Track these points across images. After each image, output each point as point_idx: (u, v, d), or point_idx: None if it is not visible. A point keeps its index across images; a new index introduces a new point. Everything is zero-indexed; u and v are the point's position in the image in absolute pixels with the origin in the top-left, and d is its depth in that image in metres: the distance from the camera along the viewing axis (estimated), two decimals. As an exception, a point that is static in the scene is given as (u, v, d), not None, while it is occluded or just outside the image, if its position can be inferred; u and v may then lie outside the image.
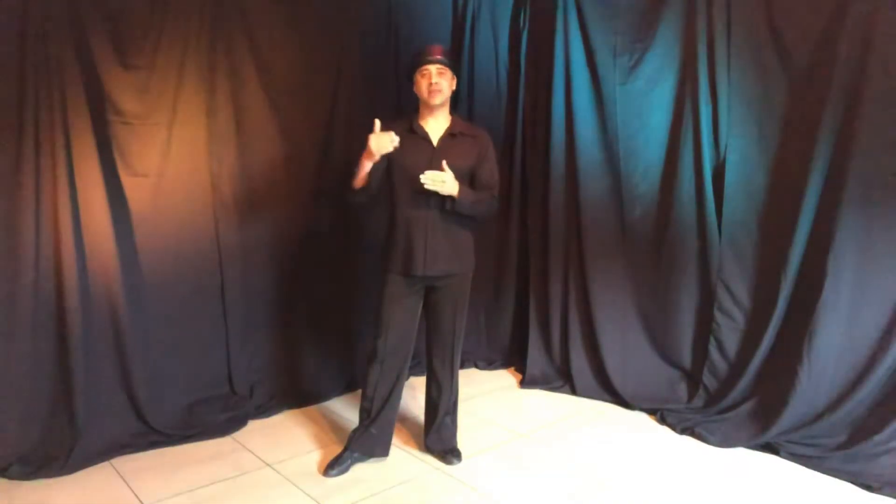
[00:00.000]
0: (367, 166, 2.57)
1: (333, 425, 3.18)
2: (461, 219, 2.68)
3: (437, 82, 2.61)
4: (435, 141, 2.67)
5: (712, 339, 3.23)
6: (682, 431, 3.09)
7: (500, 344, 4.09)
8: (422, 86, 2.65)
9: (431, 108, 2.67)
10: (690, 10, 3.20)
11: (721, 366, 3.22)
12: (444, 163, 2.54)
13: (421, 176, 2.49)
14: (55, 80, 2.63)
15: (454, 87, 2.73)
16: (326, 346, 3.61)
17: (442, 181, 2.51)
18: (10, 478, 2.57)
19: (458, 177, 2.65)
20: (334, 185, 3.53)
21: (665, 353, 3.45)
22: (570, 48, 3.58)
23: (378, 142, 2.51)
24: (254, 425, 3.16)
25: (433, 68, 2.62)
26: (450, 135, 2.69)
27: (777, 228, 3.01)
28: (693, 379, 3.34)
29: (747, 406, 3.06)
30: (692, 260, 3.28)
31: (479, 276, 2.85)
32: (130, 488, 2.56)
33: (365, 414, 2.77)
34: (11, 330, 2.62)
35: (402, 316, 2.72)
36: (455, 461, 2.80)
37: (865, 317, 2.78)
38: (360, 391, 2.91)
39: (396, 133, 2.66)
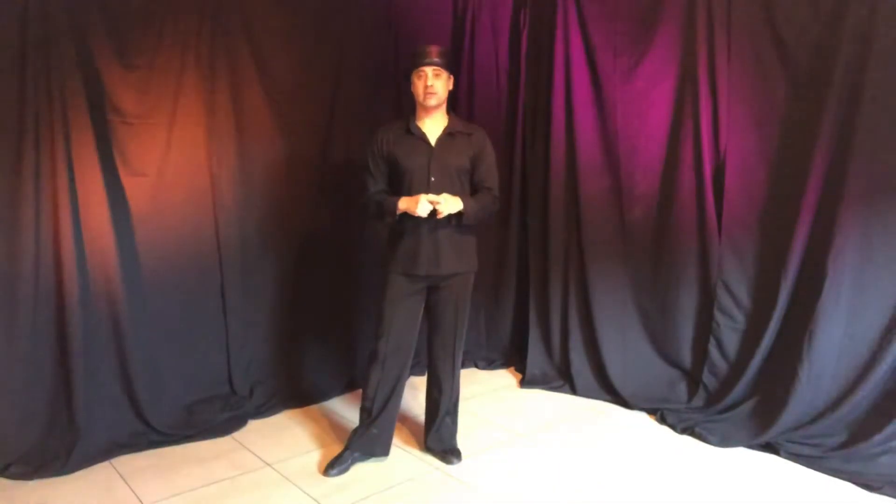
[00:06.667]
0: (400, 209, 2.59)
1: (333, 425, 3.18)
2: None
3: (433, 84, 2.62)
4: (433, 141, 2.68)
5: (712, 339, 3.23)
6: (682, 431, 3.09)
7: (500, 344, 4.09)
8: (418, 87, 2.66)
9: (428, 109, 2.68)
10: (690, 10, 3.20)
11: (721, 366, 3.22)
12: (431, 196, 2.55)
13: (420, 210, 2.51)
14: (55, 79, 2.63)
15: (451, 88, 2.74)
16: (326, 345, 3.61)
17: (439, 202, 2.51)
18: (10, 478, 2.57)
19: (458, 175, 2.66)
20: (334, 184, 3.53)
21: (665, 352, 3.45)
22: (570, 48, 3.58)
23: (422, 206, 2.52)
24: (254, 425, 3.16)
25: (429, 70, 2.63)
26: (447, 134, 2.70)
27: (777, 228, 3.01)
28: (693, 379, 3.34)
29: (747, 406, 3.06)
30: (692, 260, 3.28)
31: (479, 276, 2.85)
32: (130, 488, 2.56)
33: (366, 413, 2.77)
34: (11, 330, 2.62)
35: (404, 316, 2.72)
36: (455, 461, 2.80)
37: (865, 317, 2.78)
38: (359, 390, 2.91)
39: (394, 135, 2.70)
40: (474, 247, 2.79)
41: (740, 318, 3.16)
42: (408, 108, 2.92)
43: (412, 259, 2.64)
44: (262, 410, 3.25)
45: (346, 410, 3.35)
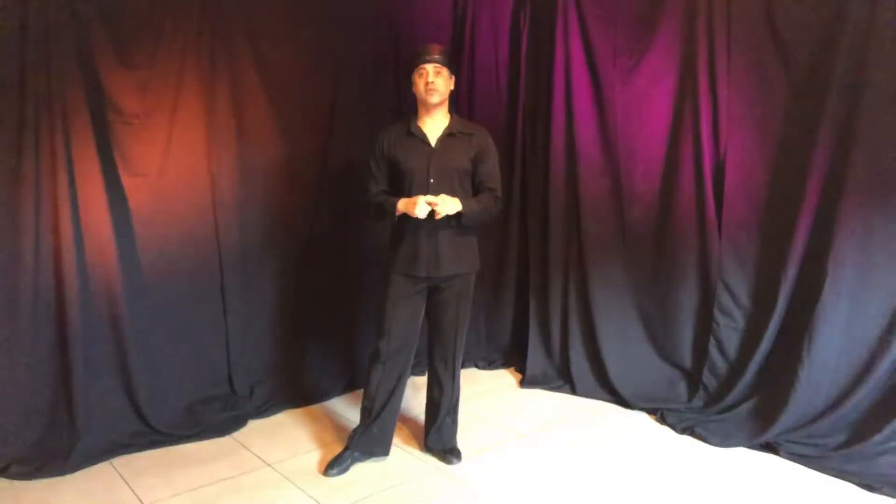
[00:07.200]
0: (399, 210, 2.60)
1: (333, 425, 3.18)
2: None
3: (434, 81, 2.62)
4: (433, 142, 2.68)
5: (712, 339, 3.23)
6: (682, 431, 3.09)
7: (500, 344, 4.09)
8: (419, 85, 2.66)
9: (429, 108, 2.68)
10: (690, 10, 3.20)
11: (721, 366, 3.22)
12: (429, 197, 2.55)
13: (418, 211, 2.51)
14: (55, 79, 2.63)
15: (452, 86, 2.74)
16: (326, 345, 3.61)
17: (437, 203, 2.51)
18: (10, 478, 2.57)
19: (458, 177, 2.66)
20: (334, 185, 3.53)
21: (665, 352, 3.45)
22: (570, 48, 3.58)
23: (420, 208, 2.52)
24: (254, 425, 3.16)
25: (430, 67, 2.63)
26: (448, 135, 2.69)
27: (777, 228, 3.02)
28: (693, 379, 3.34)
29: (747, 406, 3.06)
30: (692, 260, 3.28)
31: (479, 276, 2.85)
32: (130, 488, 2.56)
33: (366, 413, 2.77)
34: (11, 330, 2.62)
35: (405, 316, 2.72)
36: (455, 461, 2.80)
37: (865, 317, 2.78)
38: (360, 390, 2.91)
39: (395, 136, 2.70)
40: (475, 247, 2.79)
41: (740, 317, 3.16)
42: (408, 108, 2.92)
43: (412, 260, 2.65)
44: (262, 410, 3.25)
45: (347, 410, 3.35)
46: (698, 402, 3.25)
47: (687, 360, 3.38)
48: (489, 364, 4.04)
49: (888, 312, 2.73)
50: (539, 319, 3.84)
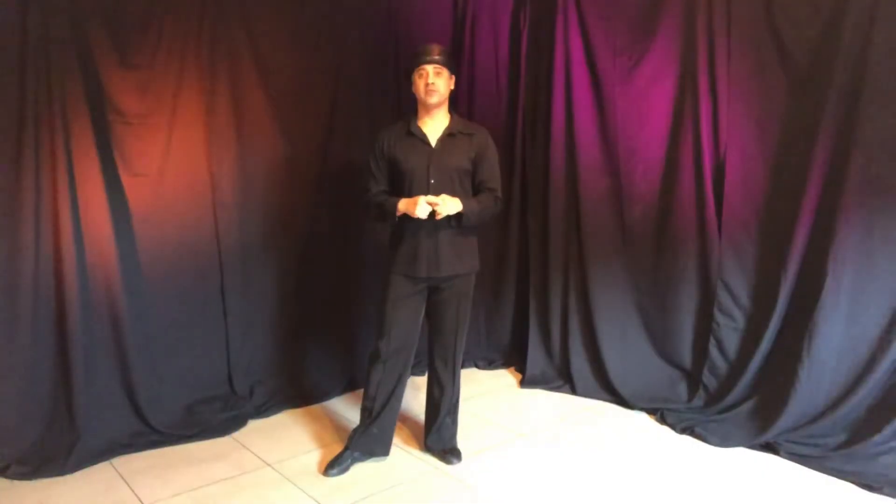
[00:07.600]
0: (400, 210, 2.60)
1: (333, 425, 3.18)
2: None
3: (434, 82, 2.62)
4: (433, 142, 2.68)
5: (712, 339, 3.22)
6: (682, 431, 3.09)
7: (500, 344, 4.09)
8: (419, 86, 2.66)
9: (429, 108, 2.68)
10: (690, 10, 3.20)
11: (721, 366, 3.22)
12: (429, 197, 2.55)
13: (419, 211, 2.51)
14: (55, 79, 2.63)
15: (452, 87, 2.74)
16: (326, 345, 3.61)
17: (438, 203, 2.52)
18: (10, 478, 2.57)
19: (458, 177, 2.66)
20: (334, 185, 3.54)
21: (665, 352, 3.45)
22: (569, 48, 3.58)
23: (420, 208, 2.52)
24: (254, 425, 3.16)
25: (430, 68, 2.63)
26: (448, 135, 2.70)
27: (777, 228, 3.02)
28: (693, 379, 3.34)
29: (747, 406, 3.06)
30: (692, 260, 3.28)
31: (479, 276, 2.86)
32: (130, 488, 2.56)
33: (366, 413, 2.77)
34: (11, 330, 2.63)
35: (405, 316, 2.72)
36: (455, 461, 2.80)
37: (865, 317, 2.78)
38: (360, 390, 2.91)
39: (395, 136, 2.70)
40: (475, 247, 2.79)
41: (740, 317, 3.16)
42: (408, 108, 2.92)
43: (412, 261, 2.65)
44: (262, 410, 3.25)
45: (347, 410, 3.35)
46: (698, 402, 3.25)
47: (687, 360, 3.38)
48: (489, 364, 4.04)
49: (888, 312, 2.73)
50: (539, 319, 3.84)
